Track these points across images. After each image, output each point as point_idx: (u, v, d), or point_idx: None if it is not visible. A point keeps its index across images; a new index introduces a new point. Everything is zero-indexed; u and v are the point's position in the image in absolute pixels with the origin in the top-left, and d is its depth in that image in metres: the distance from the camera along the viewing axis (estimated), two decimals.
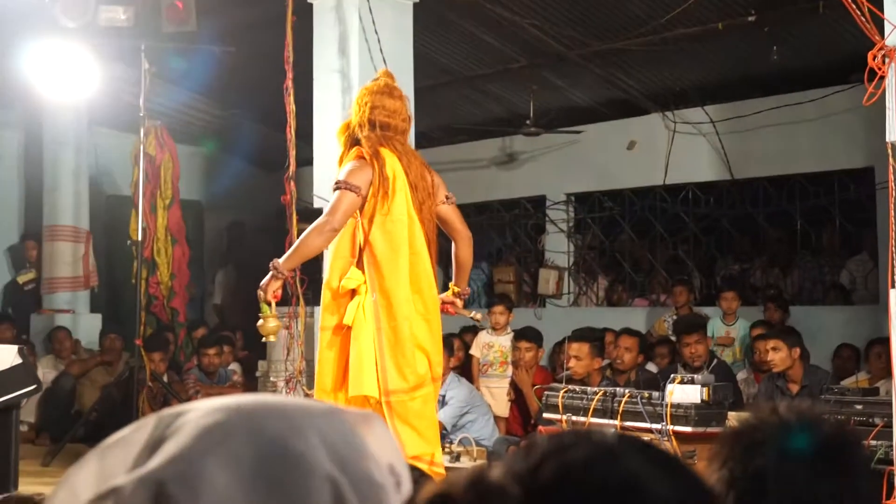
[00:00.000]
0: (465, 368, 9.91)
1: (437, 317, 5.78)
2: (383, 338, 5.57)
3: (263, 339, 6.01)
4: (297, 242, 5.66)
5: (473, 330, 10.97)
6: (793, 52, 10.50)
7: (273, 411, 1.20)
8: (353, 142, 5.84)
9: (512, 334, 9.84)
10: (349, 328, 5.60)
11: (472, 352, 9.99)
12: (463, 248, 6.14)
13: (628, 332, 9.24)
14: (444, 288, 6.17)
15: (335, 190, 5.61)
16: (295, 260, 5.67)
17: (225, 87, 13.07)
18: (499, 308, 10.02)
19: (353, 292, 5.66)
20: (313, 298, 7.63)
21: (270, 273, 5.59)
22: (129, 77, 10.90)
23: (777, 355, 7.85)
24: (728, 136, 11.87)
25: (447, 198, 6.05)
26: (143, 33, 9.33)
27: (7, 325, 11.66)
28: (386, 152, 5.70)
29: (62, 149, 12.85)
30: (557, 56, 11.28)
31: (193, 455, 1.13)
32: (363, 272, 5.63)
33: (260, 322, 5.70)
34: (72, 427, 9.33)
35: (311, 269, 7.56)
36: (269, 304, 5.65)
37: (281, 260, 5.61)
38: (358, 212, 5.64)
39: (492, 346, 9.87)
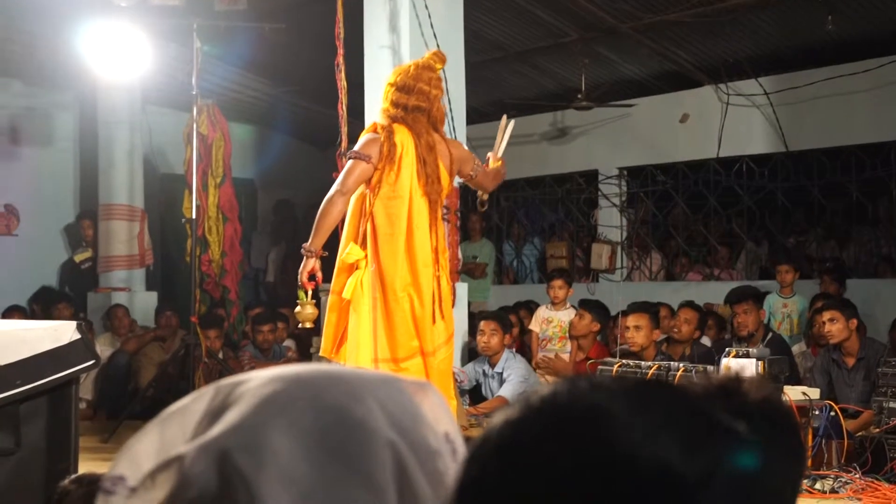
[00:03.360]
0: (521, 343, 9.91)
1: (428, 294, 5.88)
2: (378, 308, 5.80)
3: (299, 326, 6.18)
4: (316, 218, 5.83)
5: (527, 306, 10.95)
6: (847, 22, 10.37)
7: (331, 379, 1.21)
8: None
9: (571, 309, 9.82)
10: (348, 301, 5.85)
11: (531, 327, 9.97)
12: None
13: (689, 304, 9.22)
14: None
15: (347, 160, 5.87)
16: (320, 235, 5.85)
17: (276, 65, 13.11)
18: (558, 282, 9.96)
19: (355, 266, 5.90)
20: None
21: (304, 257, 5.80)
22: (181, 56, 10.95)
23: (834, 326, 7.79)
24: (782, 108, 11.77)
25: (472, 174, 6.25)
26: (195, 12, 9.37)
27: (65, 303, 11.80)
28: (400, 128, 5.91)
29: (116, 128, 12.96)
30: (609, 29, 11.20)
31: (256, 423, 1.14)
32: (364, 247, 5.87)
33: (297, 309, 5.88)
34: (129, 404, 9.42)
35: None
36: (306, 291, 5.80)
37: (308, 241, 5.82)
38: (365, 184, 5.87)
39: (551, 320, 9.84)
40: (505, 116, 6.70)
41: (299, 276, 5.85)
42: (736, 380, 1.26)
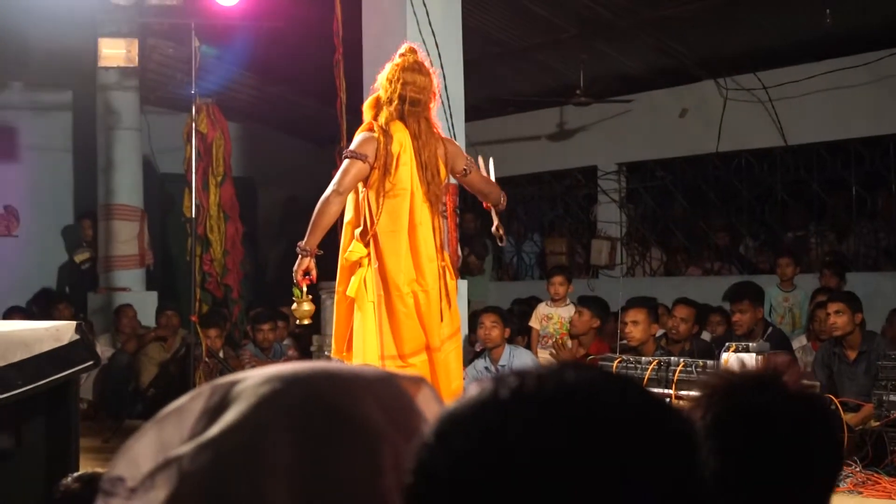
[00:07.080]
0: (522, 340, 9.89)
1: (435, 289, 5.91)
2: (382, 306, 5.84)
3: (297, 322, 6.21)
4: (312, 217, 5.83)
5: (527, 303, 10.92)
6: (846, 16, 10.35)
7: (329, 378, 1.21)
8: (377, 115, 6.01)
9: (571, 305, 9.80)
10: (353, 299, 5.88)
11: (531, 323, 9.96)
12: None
13: (684, 301, 9.16)
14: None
15: (344, 159, 5.86)
16: (315, 233, 5.87)
17: (275, 64, 13.10)
18: (558, 279, 9.95)
19: (358, 264, 5.91)
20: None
21: (299, 255, 5.81)
22: (179, 55, 10.95)
23: (840, 319, 7.76)
24: (781, 102, 11.76)
25: (465, 170, 6.18)
26: (193, 11, 9.37)
27: (65, 304, 11.80)
28: (398, 126, 5.89)
29: (115, 129, 12.91)
30: (608, 25, 11.19)
31: (254, 423, 1.14)
32: (367, 245, 5.89)
33: (294, 306, 5.92)
34: (130, 404, 9.42)
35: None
36: (301, 288, 5.83)
37: (303, 240, 5.83)
38: (362, 183, 5.88)
39: (551, 317, 9.83)
40: (480, 157, 6.59)
41: (294, 274, 5.86)
42: (774, 372, 1.27)
